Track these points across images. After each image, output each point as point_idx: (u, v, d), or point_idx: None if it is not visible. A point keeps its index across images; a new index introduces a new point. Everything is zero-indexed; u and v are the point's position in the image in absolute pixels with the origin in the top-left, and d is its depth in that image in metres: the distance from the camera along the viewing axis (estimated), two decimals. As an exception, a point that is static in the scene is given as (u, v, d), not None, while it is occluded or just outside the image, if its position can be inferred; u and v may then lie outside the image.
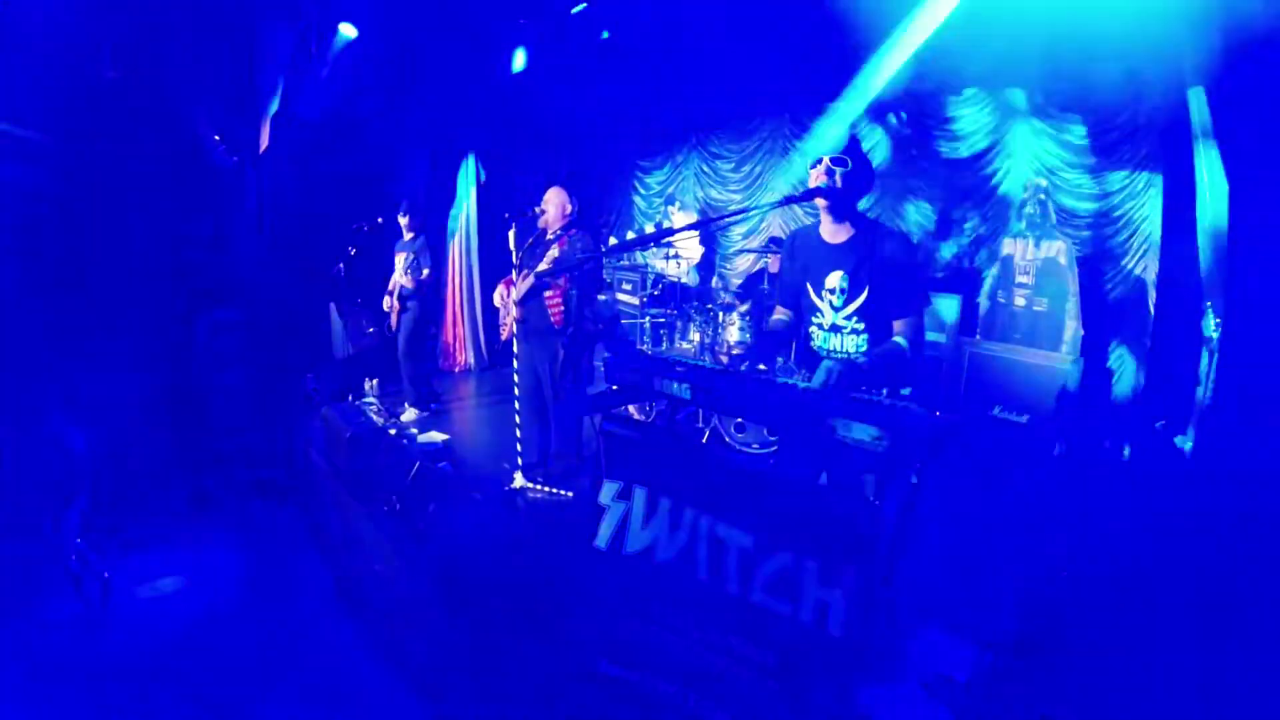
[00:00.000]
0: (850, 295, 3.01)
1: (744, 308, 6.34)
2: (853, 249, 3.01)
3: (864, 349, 3.04)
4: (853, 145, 2.94)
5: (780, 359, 3.33)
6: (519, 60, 7.80)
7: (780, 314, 3.30)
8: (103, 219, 6.94)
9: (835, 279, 3.02)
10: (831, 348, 3.09)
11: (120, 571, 4.85)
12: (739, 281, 8.23)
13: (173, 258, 7.48)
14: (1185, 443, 4.17)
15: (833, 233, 3.05)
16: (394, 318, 6.92)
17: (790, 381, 2.55)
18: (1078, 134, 5.89)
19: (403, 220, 6.85)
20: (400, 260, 6.85)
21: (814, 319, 3.13)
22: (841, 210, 2.98)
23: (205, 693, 4.01)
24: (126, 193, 7.05)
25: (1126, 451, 5.70)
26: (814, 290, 3.10)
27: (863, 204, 3.17)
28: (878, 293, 2.97)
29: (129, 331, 7.24)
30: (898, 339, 2.96)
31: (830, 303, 3.05)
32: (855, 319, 3.02)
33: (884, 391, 2.71)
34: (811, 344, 3.18)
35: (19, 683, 3.74)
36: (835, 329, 3.07)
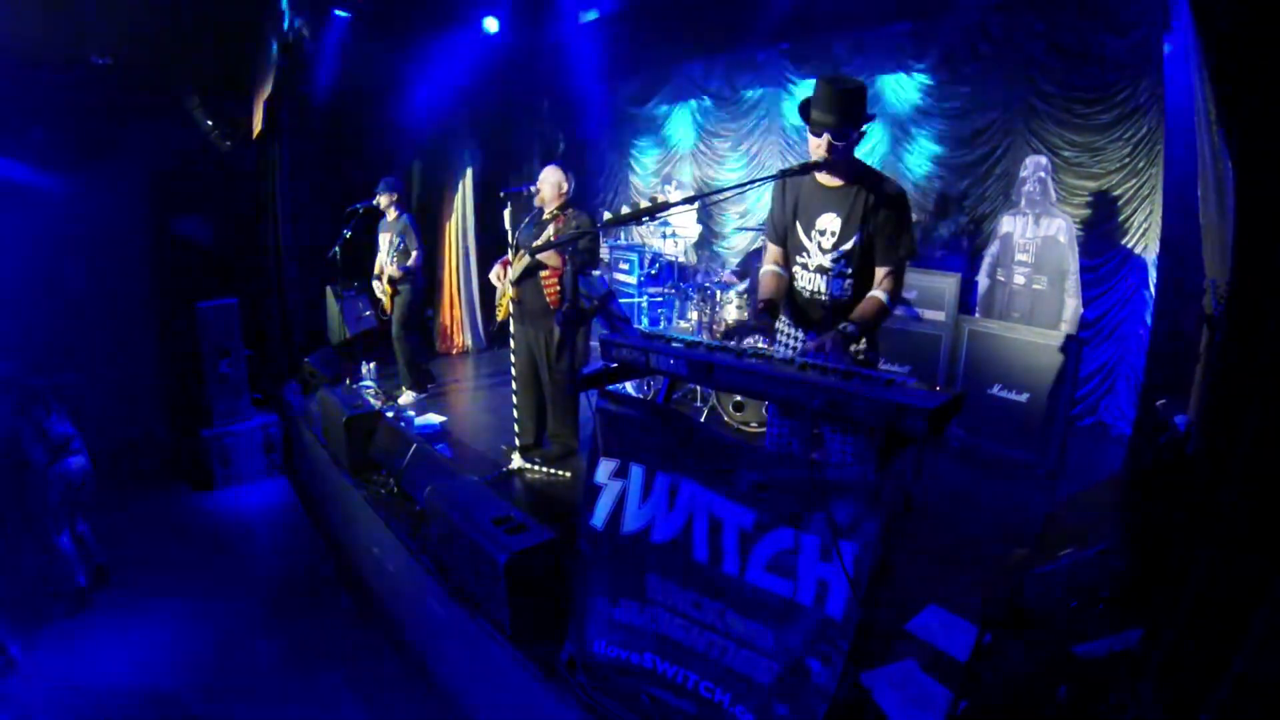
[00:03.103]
0: (840, 239, 2.98)
1: (741, 286, 6.31)
2: (847, 192, 2.97)
3: (849, 293, 3.02)
4: (856, 115, 2.86)
5: (780, 322, 3.30)
6: (490, 25, 7.69)
7: (772, 264, 3.25)
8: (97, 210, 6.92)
9: (827, 220, 2.99)
10: (815, 289, 3.07)
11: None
12: (736, 260, 8.20)
13: (168, 245, 7.46)
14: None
15: (828, 176, 3.00)
16: (387, 301, 6.87)
17: (786, 358, 2.52)
18: (1078, 111, 5.84)
19: (382, 200, 6.76)
20: (384, 242, 6.78)
21: (799, 259, 3.10)
22: (839, 169, 2.95)
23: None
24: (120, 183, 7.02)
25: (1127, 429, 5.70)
26: (803, 231, 3.06)
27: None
28: (866, 238, 2.95)
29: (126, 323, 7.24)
30: (877, 292, 2.93)
31: (819, 244, 3.02)
32: (842, 263, 2.99)
33: (872, 360, 2.69)
34: (796, 284, 3.15)
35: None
36: (821, 271, 3.04)
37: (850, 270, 3.01)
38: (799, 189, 3.09)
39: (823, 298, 3.08)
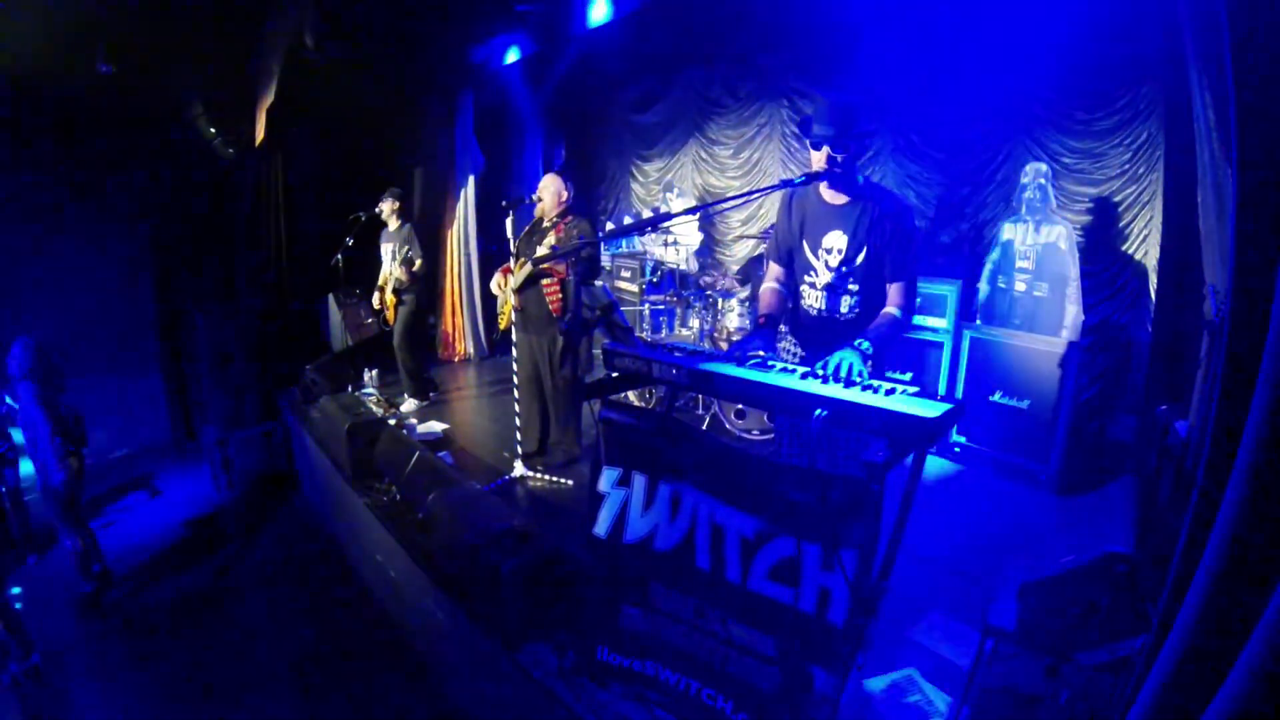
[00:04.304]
0: (848, 256, 2.99)
1: (743, 294, 6.32)
2: (852, 210, 2.99)
3: (856, 310, 3.03)
4: (853, 127, 2.88)
5: (785, 340, 3.31)
6: (511, 56, 7.74)
7: (773, 280, 3.26)
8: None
9: (834, 238, 3.01)
10: (823, 307, 3.08)
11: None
12: (737, 268, 8.20)
13: (171, 253, 7.49)
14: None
15: (833, 194, 3.03)
16: (390, 312, 6.86)
17: (787, 367, 2.53)
18: (1078, 117, 5.85)
19: (385, 208, 6.77)
20: (387, 251, 6.77)
21: (807, 278, 3.12)
22: (842, 185, 2.97)
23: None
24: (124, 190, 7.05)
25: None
26: (810, 249, 3.08)
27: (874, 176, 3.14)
28: (874, 254, 2.96)
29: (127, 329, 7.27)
30: (891, 309, 2.94)
31: (826, 262, 3.04)
32: (850, 279, 3.01)
33: (884, 376, 2.69)
34: (803, 302, 3.16)
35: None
36: (829, 288, 3.06)
37: (857, 287, 3.02)
38: (805, 208, 3.11)
39: (831, 315, 3.08)
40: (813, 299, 3.12)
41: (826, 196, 3.04)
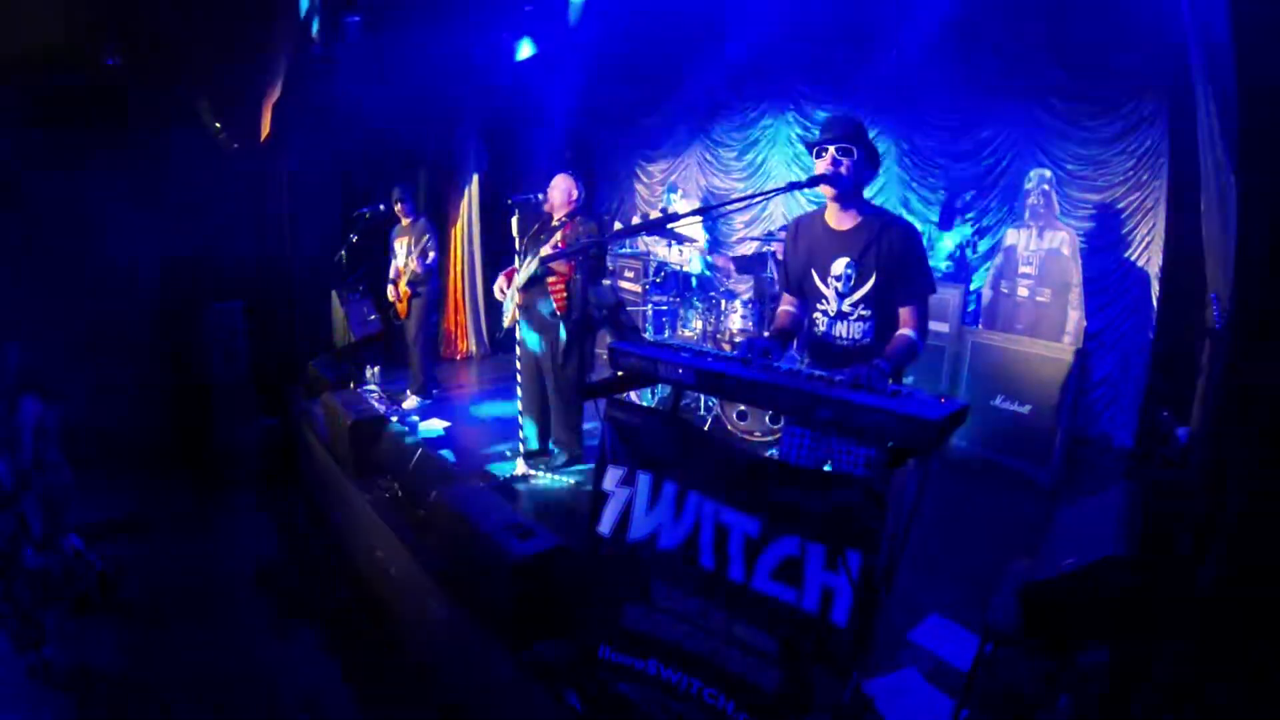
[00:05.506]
0: (857, 282, 2.99)
1: (747, 294, 6.34)
2: (859, 235, 2.98)
3: (869, 337, 3.03)
4: (858, 133, 2.92)
5: (797, 359, 3.33)
6: (524, 50, 7.74)
7: (787, 304, 3.28)
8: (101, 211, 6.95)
9: (841, 265, 3.00)
10: (836, 334, 3.08)
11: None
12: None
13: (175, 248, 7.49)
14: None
15: (838, 219, 3.03)
16: (403, 306, 6.88)
17: (793, 369, 2.54)
18: (1083, 124, 5.87)
19: (398, 206, 6.80)
20: (401, 246, 6.80)
21: (818, 306, 3.11)
22: (847, 198, 2.97)
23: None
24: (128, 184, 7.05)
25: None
26: (819, 277, 3.07)
27: (867, 192, 3.15)
28: (884, 279, 2.95)
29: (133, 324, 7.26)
30: (906, 330, 2.95)
31: (835, 289, 3.03)
32: (861, 305, 3.00)
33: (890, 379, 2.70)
34: (815, 330, 3.16)
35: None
36: (840, 315, 3.05)
37: (870, 312, 3.00)
38: (811, 237, 3.11)
39: (844, 342, 3.08)
40: (825, 326, 3.10)
41: (832, 222, 3.04)
